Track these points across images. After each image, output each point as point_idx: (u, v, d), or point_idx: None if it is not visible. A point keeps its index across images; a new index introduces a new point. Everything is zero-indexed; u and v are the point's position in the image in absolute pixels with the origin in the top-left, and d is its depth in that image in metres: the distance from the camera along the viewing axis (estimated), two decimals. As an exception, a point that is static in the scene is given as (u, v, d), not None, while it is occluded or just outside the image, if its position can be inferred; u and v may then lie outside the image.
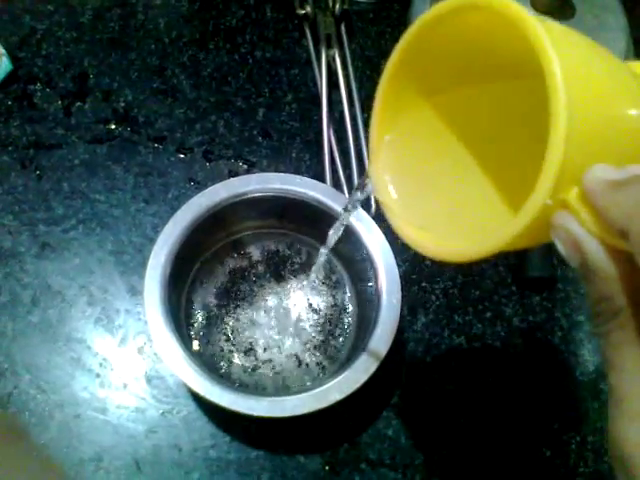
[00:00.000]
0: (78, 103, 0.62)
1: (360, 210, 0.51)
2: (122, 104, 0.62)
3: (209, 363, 0.51)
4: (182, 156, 0.61)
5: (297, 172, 0.60)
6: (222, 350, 0.52)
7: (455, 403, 0.53)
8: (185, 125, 0.62)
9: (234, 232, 0.56)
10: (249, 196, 0.51)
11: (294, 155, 0.61)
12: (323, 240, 0.55)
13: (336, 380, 0.45)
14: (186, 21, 0.66)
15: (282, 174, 0.53)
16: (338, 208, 0.51)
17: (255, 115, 0.63)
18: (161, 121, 0.62)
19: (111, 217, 0.58)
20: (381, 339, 0.47)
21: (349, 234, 0.51)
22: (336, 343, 0.53)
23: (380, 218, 0.57)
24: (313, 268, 0.53)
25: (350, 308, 0.55)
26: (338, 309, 0.54)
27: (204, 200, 0.50)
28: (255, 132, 0.62)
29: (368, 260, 0.50)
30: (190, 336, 0.52)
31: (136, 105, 0.62)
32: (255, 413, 0.44)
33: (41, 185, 0.59)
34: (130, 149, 0.60)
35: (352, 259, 0.54)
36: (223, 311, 0.53)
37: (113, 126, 0.61)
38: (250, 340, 0.53)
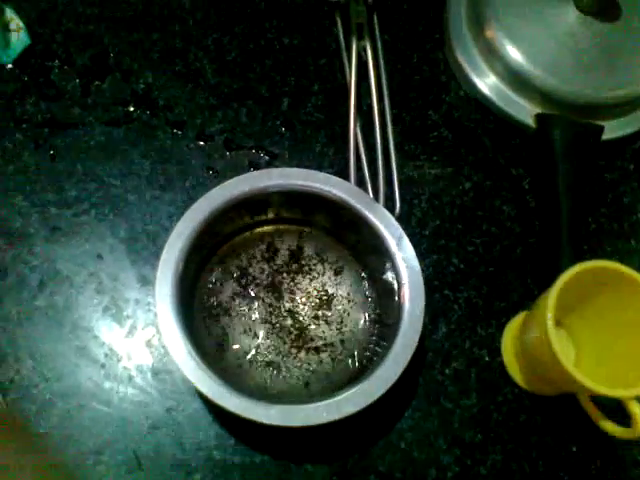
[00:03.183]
0: (96, 82, 0.59)
1: (385, 212, 0.49)
2: (142, 86, 0.60)
3: (221, 362, 0.50)
4: (202, 143, 0.58)
5: (320, 167, 0.58)
6: (235, 347, 0.50)
7: (471, 419, 0.51)
8: (206, 111, 0.59)
9: (252, 226, 0.53)
10: (270, 191, 0.49)
11: (318, 149, 0.59)
12: (344, 239, 0.53)
13: (351, 392, 0.43)
14: (212, 3, 0.63)
15: (304, 170, 0.50)
16: (361, 208, 0.49)
17: (279, 105, 0.60)
18: (181, 106, 0.59)
19: (125, 203, 0.56)
20: (401, 353, 0.45)
21: (372, 234, 0.49)
22: (349, 348, 0.51)
23: (403, 218, 0.55)
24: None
25: (371, 315, 0.52)
26: (359, 312, 0.52)
27: (223, 193, 0.48)
28: (278, 122, 0.59)
29: (391, 266, 0.48)
30: (201, 332, 0.50)
31: (156, 88, 0.60)
32: (265, 421, 0.42)
33: (54, 166, 0.57)
34: (148, 133, 0.58)
35: (374, 262, 0.51)
36: (238, 309, 0.51)
37: (132, 108, 0.59)
38: (267, 340, 0.51)
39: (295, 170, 0.50)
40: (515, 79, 0.60)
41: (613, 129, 0.60)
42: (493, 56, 0.61)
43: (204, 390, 0.43)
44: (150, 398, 0.50)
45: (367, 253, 0.52)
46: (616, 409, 0.46)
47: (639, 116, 0.61)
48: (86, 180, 0.56)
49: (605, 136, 0.59)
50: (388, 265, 0.48)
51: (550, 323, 0.44)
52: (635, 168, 0.61)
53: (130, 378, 0.50)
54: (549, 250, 0.56)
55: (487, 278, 0.56)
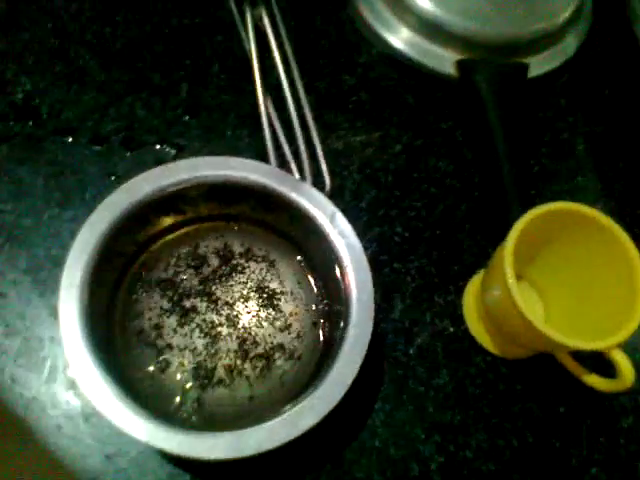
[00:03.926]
0: (-34, 98, 0.52)
1: (311, 189, 0.44)
2: (20, 95, 0.52)
3: (160, 388, 0.43)
4: (97, 148, 0.51)
5: (235, 152, 0.51)
6: (173, 369, 0.44)
7: (446, 399, 0.47)
8: (97, 112, 0.52)
9: (171, 230, 0.47)
10: (178, 187, 0.43)
11: (229, 133, 0.53)
12: (274, 228, 0.48)
13: (307, 401, 0.38)
14: (86, -8, 0.57)
15: (214, 157, 0.44)
16: (284, 190, 0.44)
17: (178, 91, 0.54)
18: (68, 110, 0.52)
19: (21, 229, 0.49)
20: (355, 346, 0.40)
21: (301, 217, 0.44)
22: (301, 347, 0.46)
23: (335, 194, 0.50)
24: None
25: (319, 305, 0.47)
26: (306, 305, 0.47)
27: (123, 197, 0.41)
28: (180, 111, 0.53)
29: (328, 247, 0.43)
30: (131, 359, 0.44)
31: (37, 95, 0.53)
32: (213, 456, 0.36)
33: None
34: (35, 147, 0.51)
35: (312, 248, 0.46)
36: (170, 326, 0.45)
37: (12, 122, 0.52)
38: (208, 356, 0.45)
39: (203, 159, 0.44)
40: (429, 28, 0.56)
41: (539, 65, 0.56)
42: (402, 7, 0.56)
43: (135, 434, 0.37)
44: (85, 447, 0.43)
45: (302, 239, 0.46)
46: (599, 358, 0.42)
47: (562, 49, 0.58)
48: (-28, 206, 0.49)
49: (531, 74, 0.56)
50: (325, 247, 0.43)
51: (510, 277, 0.40)
52: (567, 102, 0.58)
53: (59, 428, 0.43)
54: (495, 201, 0.52)
55: (436, 242, 0.51)
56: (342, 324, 0.41)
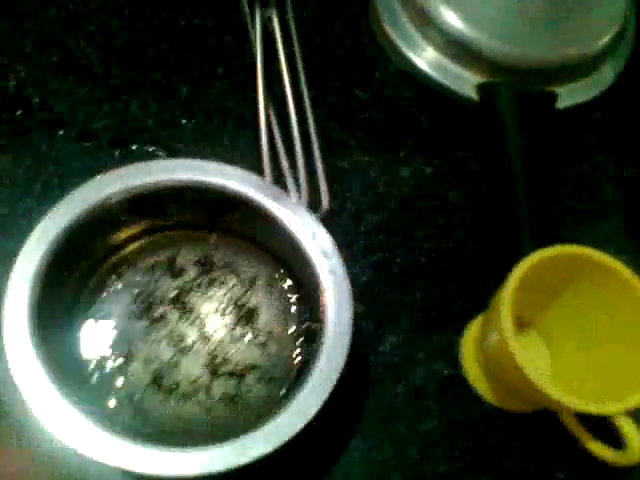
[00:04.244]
0: (-46, 81, 0.50)
1: (296, 204, 0.40)
2: (12, 82, 0.49)
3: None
4: (86, 144, 0.48)
5: (231, 161, 0.47)
6: (137, 379, 0.40)
7: (433, 448, 0.42)
8: (90, 106, 0.49)
9: (144, 234, 0.43)
10: (154, 188, 0.39)
11: (226, 141, 0.49)
12: (256, 244, 0.44)
13: (265, 428, 0.33)
14: (96, -18, 0.54)
15: (199, 160, 0.41)
16: (269, 205, 0.40)
17: (177, 92, 0.50)
18: (60, 102, 0.49)
19: (-2, 217, 0.46)
20: (326, 372, 0.36)
21: (282, 232, 0.40)
22: (274, 369, 0.41)
23: (334, 214, 0.47)
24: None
25: (299, 328, 0.43)
26: (284, 326, 0.42)
27: (83, 197, 0.38)
28: (177, 113, 0.50)
29: (309, 268, 0.39)
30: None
31: (30, 83, 0.50)
32: (150, 471, 0.32)
33: None
34: (20, 137, 0.48)
35: (294, 267, 0.42)
36: (139, 335, 0.41)
37: (1, 109, 0.49)
38: (176, 369, 0.41)
39: (186, 161, 0.41)
40: (454, 47, 0.52)
41: (569, 96, 0.52)
42: (427, 23, 0.52)
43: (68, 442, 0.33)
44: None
45: (285, 255, 0.43)
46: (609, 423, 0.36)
47: (597, 80, 0.53)
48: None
49: (560, 104, 0.51)
50: (306, 266, 0.39)
51: (507, 321, 0.35)
52: (598, 140, 0.53)
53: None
54: (508, 240, 0.47)
55: (438, 277, 0.46)
56: (317, 351, 0.37)
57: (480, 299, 0.45)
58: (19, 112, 0.49)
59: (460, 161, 0.50)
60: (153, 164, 0.40)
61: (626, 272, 0.37)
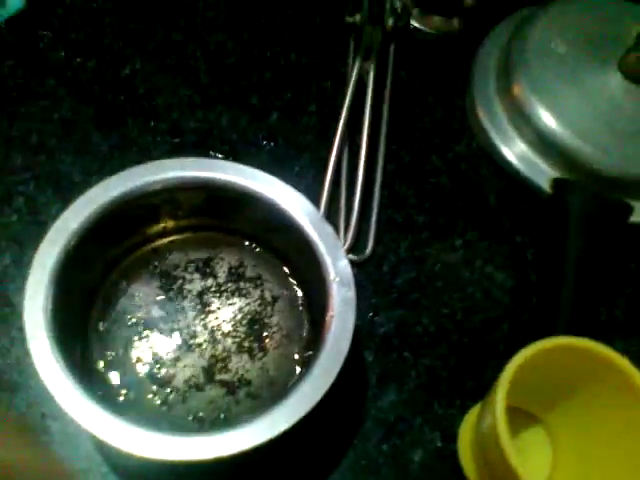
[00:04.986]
0: (81, 59, 0.55)
1: (331, 231, 0.41)
2: (127, 71, 0.55)
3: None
4: (171, 139, 0.52)
5: (295, 189, 0.50)
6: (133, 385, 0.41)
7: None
8: (186, 108, 0.53)
9: (190, 229, 0.46)
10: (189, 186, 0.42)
11: (296, 170, 0.52)
12: (288, 264, 0.45)
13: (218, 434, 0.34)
14: (228, 4, 0.59)
15: (258, 170, 0.43)
16: (297, 219, 0.41)
17: (267, 117, 0.54)
18: (162, 98, 0.54)
19: (69, 182, 0.50)
20: (303, 398, 0.35)
21: (312, 256, 0.40)
22: (267, 392, 0.41)
23: (373, 261, 0.47)
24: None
25: (302, 355, 0.43)
26: (286, 351, 0.43)
27: (122, 183, 0.41)
28: (261, 135, 0.53)
29: (325, 297, 0.39)
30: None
31: (141, 75, 0.54)
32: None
33: (9, 131, 0.51)
34: (118, 118, 0.52)
35: (315, 295, 0.43)
36: (146, 317, 0.43)
37: (109, 90, 0.54)
38: (178, 362, 0.42)
39: (246, 168, 0.43)
40: (541, 142, 0.52)
41: (643, 213, 0.51)
42: (519, 116, 0.53)
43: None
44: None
45: (310, 282, 0.43)
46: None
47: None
48: (37, 151, 0.51)
49: (634, 218, 0.50)
50: (323, 296, 0.39)
51: (500, 409, 0.34)
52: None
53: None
54: (542, 333, 0.45)
55: (459, 349, 0.45)
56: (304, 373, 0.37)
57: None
58: (122, 97, 0.54)
59: (516, 246, 0.50)
60: (215, 162, 0.43)
61: (631, 370, 0.35)
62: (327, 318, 0.38)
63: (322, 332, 0.38)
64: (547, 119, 0.51)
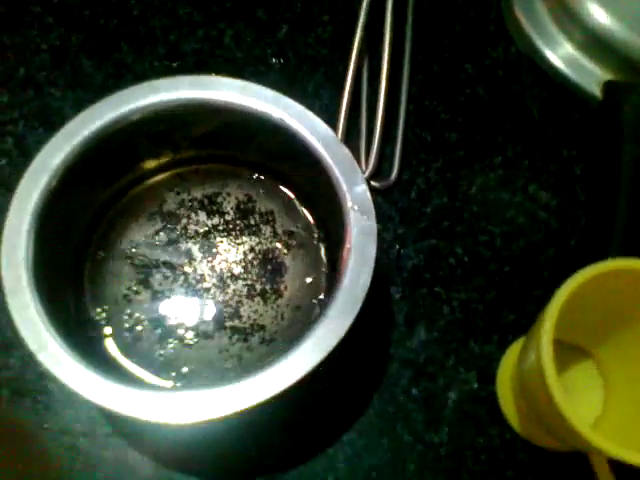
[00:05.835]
0: (68, -19, 0.50)
1: (348, 154, 0.35)
2: (119, -9, 0.50)
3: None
4: (169, 63, 0.47)
5: (310, 110, 0.45)
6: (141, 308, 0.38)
7: (436, 463, 0.36)
8: (185, 28, 0.48)
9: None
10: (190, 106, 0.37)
11: (310, 89, 0.46)
12: (303, 198, 0.40)
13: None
14: None
15: (261, 87, 0.38)
16: (310, 138, 0.36)
17: (276, 31, 0.48)
18: (158, 18, 0.48)
19: (61, 117, 0.45)
20: (322, 341, 0.31)
21: (327, 183, 0.35)
22: (282, 336, 0.37)
23: (400, 187, 0.42)
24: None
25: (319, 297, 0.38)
26: (302, 295, 0.38)
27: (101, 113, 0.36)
28: (269, 51, 0.47)
29: (342, 226, 0.34)
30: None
31: (136, -5, 0.49)
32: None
33: (-6, 66, 0.47)
34: (110, 44, 0.47)
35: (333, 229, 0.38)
36: (148, 260, 0.39)
37: (101, 14, 0.48)
38: (167, 306, 0.38)
39: (249, 85, 0.38)
40: (591, 41, 0.45)
41: None
42: (564, 12, 0.46)
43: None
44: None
45: (326, 215, 0.38)
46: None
47: None
48: (25, 86, 0.46)
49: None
50: (340, 229, 0.34)
51: (546, 343, 0.29)
52: None
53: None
54: (593, 254, 0.40)
55: (498, 280, 0.40)
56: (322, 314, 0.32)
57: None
58: (115, 21, 0.48)
59: (563, 161, 0.44)
60: (213, 80, 0.38)
61: None
62: (344, 252, 0.33)
63: (339, 268, 0.33)
64: (597, 13, 0.44)
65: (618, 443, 0.28)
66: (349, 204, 0.34)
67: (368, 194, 0.34)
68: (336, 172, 0.35)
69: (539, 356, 0.29)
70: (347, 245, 0.33)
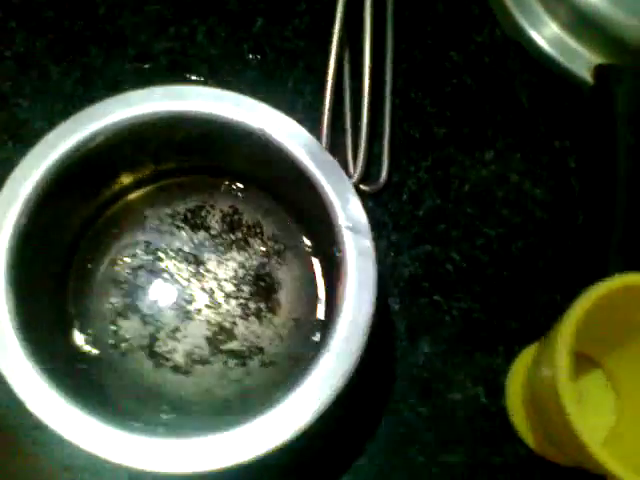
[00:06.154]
0: (27, -19, 0.47)
1: (335, 164, 0.34)
2: (82, -12, 0.47)
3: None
4: (141, 65, 0.44)
5: (291, 108, 0.43)
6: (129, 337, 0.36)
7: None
8: (155, 26, 0.45)
9: (173, 174, 0.39)
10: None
11: (290, 85, 0.44)
12: (292, 211, 0.38)
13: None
14: None
15: (240, 95, 0.35)
16: (294, 151, 0.34)
17: (250, 24, 0.45)
18: (125, 17, 0.45)
19: (30, 130, 0.43)
20: (328, 378, 0.30)
21: (315, 195, 0.34)
22: (283, 358, 0.36)
23: (390, 190, 0.41)
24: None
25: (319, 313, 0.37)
26: (300, 311, 0.37)
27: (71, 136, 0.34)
28: (245, 46, 0.45)
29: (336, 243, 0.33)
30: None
31: (100, -7, 0.46)
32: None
33: (-46, 79, 0.44)
34: (78, 47, 0.45)
35: (321, 238, 0.36)
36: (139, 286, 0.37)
37: (65, 15, 0.46)
38: (176, 333, 0.36)
39: (226, 93, 0.35)
40: (579, 21, 0.43)
41: None
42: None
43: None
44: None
45: (317, 227, 0.37)
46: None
47: None
48: (-12, 98, 0.44)
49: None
50: (334, 244, 0.33)
51: (562, 363, 0.28)
52: None
53: None
54: (593, 255, 0.39)
55: (499, 285, 0.39)
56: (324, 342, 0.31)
57: (546, 320, 0.38)
58: (81, 22, 0.45)
59: (556, 152, 0.42)
60: (180, 89, 0.36)
61: None
62: (341, 276, 0.32)
63: (337, 293, 0.32)
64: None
65: (633, 464, 0.27)
66: (341, 220, 0.33)
67: (362, 210, 0.33)
68: (324, 186, 0.34)
69: (555, 377, 0.29)
70: (343, 270, 0.32)
